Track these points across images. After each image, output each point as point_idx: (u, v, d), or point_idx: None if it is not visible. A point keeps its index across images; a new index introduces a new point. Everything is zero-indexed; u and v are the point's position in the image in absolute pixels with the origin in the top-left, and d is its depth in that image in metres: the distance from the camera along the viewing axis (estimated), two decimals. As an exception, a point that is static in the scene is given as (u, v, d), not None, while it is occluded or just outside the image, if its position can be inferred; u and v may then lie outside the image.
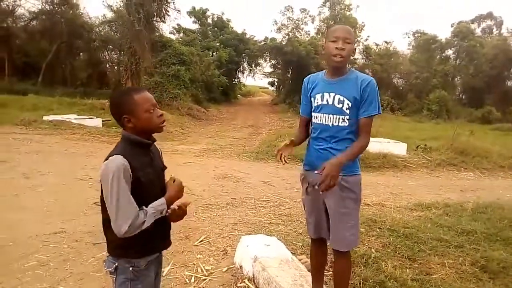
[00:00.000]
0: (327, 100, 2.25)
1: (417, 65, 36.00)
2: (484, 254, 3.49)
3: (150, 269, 1.74)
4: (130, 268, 1.65)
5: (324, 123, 2.27)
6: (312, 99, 2.35)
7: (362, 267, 3.15)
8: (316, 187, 2.14)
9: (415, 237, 3.87)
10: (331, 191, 2.16)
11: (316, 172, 2.13)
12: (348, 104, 2.19)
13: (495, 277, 3.17)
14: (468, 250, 3.60)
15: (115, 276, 1.67)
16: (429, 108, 29.25)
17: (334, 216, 2.25)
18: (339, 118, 2.22)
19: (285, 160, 2.30)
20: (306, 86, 2.41)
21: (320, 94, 2.29)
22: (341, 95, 2.21)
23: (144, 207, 1.58)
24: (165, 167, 1.84)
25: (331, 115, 2.23)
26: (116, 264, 1.65)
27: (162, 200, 1.65)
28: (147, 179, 1.62)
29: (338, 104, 2.21)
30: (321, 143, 2.29)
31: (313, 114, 2.36)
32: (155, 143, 1.77)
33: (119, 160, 1.52)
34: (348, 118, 2.20)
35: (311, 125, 2.42)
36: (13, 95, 17.29)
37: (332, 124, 2.24)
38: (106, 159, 1.57)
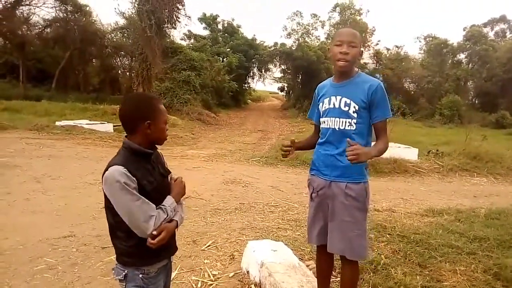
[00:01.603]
0: (333, 104, 2.22)
1: (429, 69, 35.61)
2: (497, 261, 3.40)
3: (160, 277, 1.74)
4: (140, 275, 1.64)
5: (330, 126, 2.23)
6: (321, 104, 2.32)
7: (371, 274, 3.10)
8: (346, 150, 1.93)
9: (426, 243, 3.80)
10: (336, 198, 2.18)
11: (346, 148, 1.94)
12: (354, 107, 2.14)
13: (508, 285, 3.08)
14: (480, 257, 3.52)
15: (124, 284, 1.66)
16: (441, 112, 28.92)
17: (338, 223, 2.20)
18: (345, 122, 2.17)
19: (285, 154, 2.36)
20: (316, 93, 2.41)
21: (328, 98, 2.26)
22: (347, 98, 2.16)
23: (161, 206, 1.62)
24: (169, 172, 1.82)
25: (337, 119, 2.19)
26: (126, 271, 1.64)
27: (170, 198, 1.69)
28: (152, 187, 1.62)
29: (345, 107, 2.17)
30: (328, 148, 2.26)
31: (321, 119, 2.33)
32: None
33: (118, 169, 1.52)
34: (355, 122, 2.15)
35: (320, 131, 2.39)
36: (27, 101, 17.61)
37: (339, 128, 2.19)
38: (106, 169, 1.57)
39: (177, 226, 1.69)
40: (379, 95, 2.14)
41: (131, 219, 1.52)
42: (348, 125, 2.16)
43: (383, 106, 2.15)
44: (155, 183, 1.65)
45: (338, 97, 2.20)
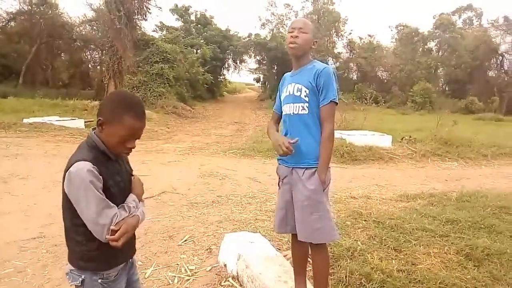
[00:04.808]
0: (289, 91, 2.33)
1: (401, 57, 36.32)
2: (469, 242, 3.49)
3: (120, 280, 1.63)
4: (99, 280, 1.53)
5: (287, 112, 2.32)
6: (282, 94, 2.43)
7: (348, 260, 3.12)
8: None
9: (401, 228, 3.87)
10: (296, 184, 2.24)
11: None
12: (305, 92, 2.23)
13: (479, 265, 3.17)
14: (453, 239, 3.61)
15: None
16: (413, 100, 29.65)
17: (299, 208, 2.24)
18: (299, 106, 2.26)
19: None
20: (279, 85, 2.51)
21: (286, 87, 2.38)
22: (299, 84, 2.27)
23: (123, 204, 1.51)
24: (131, 169, 1.72)
25: (292, 104, 2.29)
26: (83, 277, 1.52)
27: (132, 196, 1.59)
28: (118, 187, 1.52)
29: (297, 92, 2.27)
30: (287, 135, 2.32)
31: (282, 109, 2.42)
32: None
33: (86, 166, 1.40)
34: (307, 105, 2.23)
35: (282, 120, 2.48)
36: (-8, 99, 16.82)
37: (293, 113, 2.28)
38: (70, 165, 1.43)
39: (139, 221, 1.56)
40: (324, 78, 2.19)
41: (92, 221, 1.41)
42: (302, 109, 2.25)
43: (327, 90, 2.20)
44: (122, 183, 1.56)
45: (293, 84, 2.31)
